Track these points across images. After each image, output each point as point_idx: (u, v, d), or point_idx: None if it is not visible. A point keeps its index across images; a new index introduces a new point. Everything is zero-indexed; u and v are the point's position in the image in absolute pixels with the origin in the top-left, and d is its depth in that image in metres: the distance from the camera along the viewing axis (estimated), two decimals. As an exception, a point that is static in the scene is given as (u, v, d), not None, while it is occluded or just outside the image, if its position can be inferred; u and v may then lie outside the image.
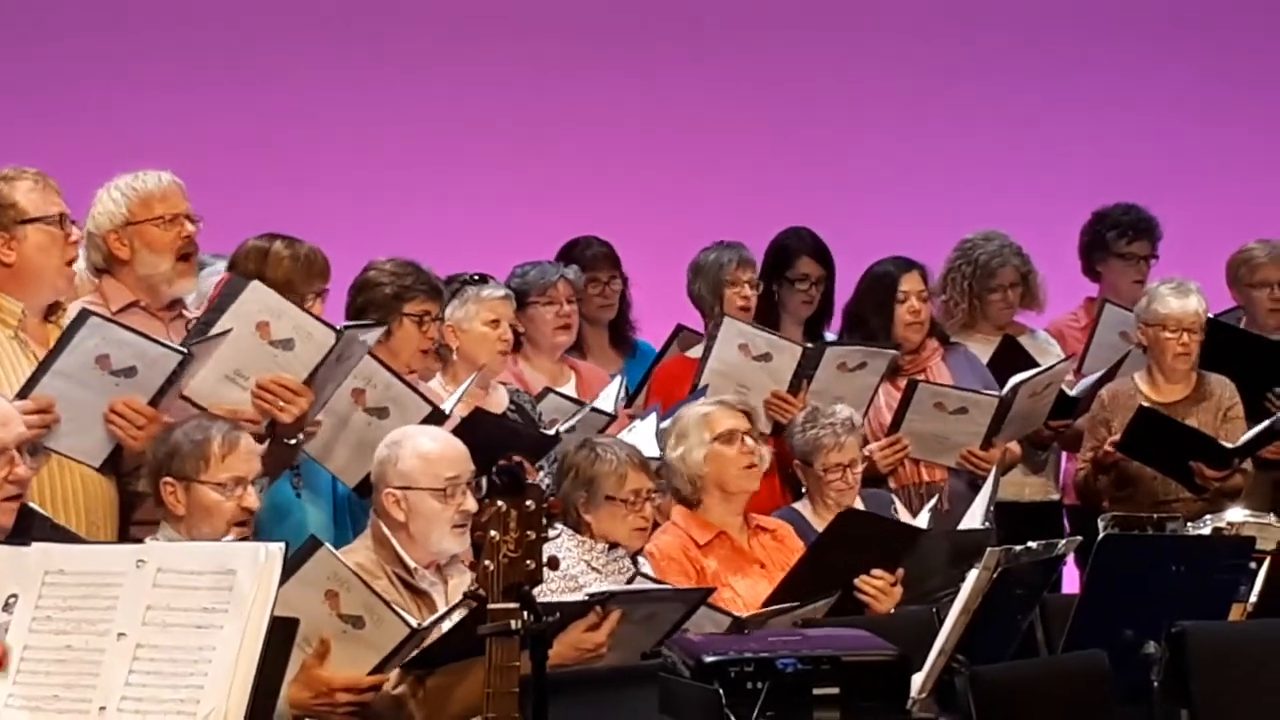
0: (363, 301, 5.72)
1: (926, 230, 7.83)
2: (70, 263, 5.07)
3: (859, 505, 6.33)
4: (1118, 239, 7.75)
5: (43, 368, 4.81)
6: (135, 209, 5.21)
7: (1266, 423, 6.95)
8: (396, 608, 4.66)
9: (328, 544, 4.64)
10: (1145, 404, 6.94)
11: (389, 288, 5.72)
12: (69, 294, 5.16)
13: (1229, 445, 6.87)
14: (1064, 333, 7.71)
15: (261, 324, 5.03)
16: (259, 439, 5.02)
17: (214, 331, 5.01)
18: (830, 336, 7.20)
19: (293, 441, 5.19)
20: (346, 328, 5.24)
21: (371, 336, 5.35)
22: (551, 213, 8.02)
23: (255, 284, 5.07)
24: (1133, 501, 6.90)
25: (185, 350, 4.93)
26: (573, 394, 6.48)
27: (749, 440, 6.02)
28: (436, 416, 5.43)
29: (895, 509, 6.41)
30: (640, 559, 5.69)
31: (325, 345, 5.11)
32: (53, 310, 5.07)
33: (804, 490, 6.39)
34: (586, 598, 4.98)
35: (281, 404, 5.06)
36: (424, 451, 5.08)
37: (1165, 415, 6.94)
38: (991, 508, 6.25)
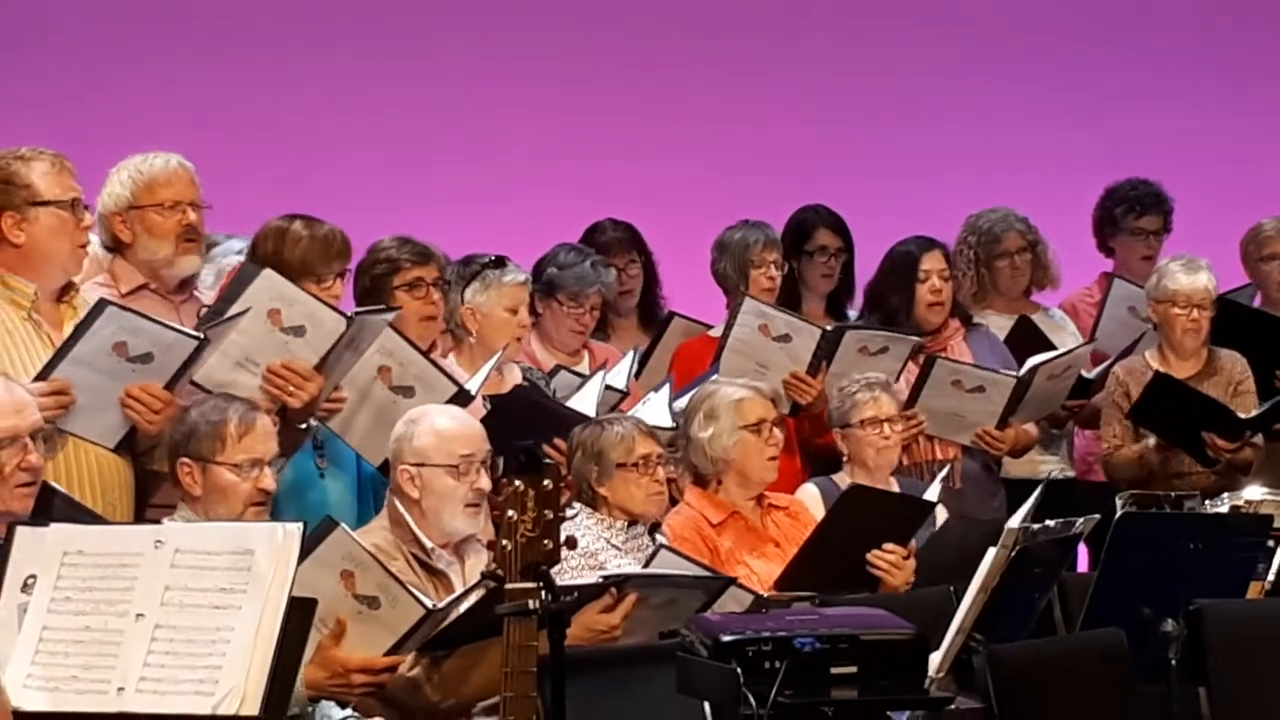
0: (362, 286, 5.73)
1: (942, 212, 7.81)
2: (82, 247, 5.05)
3: (894, 487, 6.33)
4: (1126, 214, 7.75)
5: (60, 355, 4.82)
6: (139, 193, 5.21)
7: None
8: (412, 588, 4.66)
9: (343, 524, 4.64)
10: (1160, 370, 6.93)
11: (379, 267, 5.73)
12: (77, 275, 5.14)
13: (1243, 415, 6.86)
14: (1077, 308, 7.71)
15: (273, 311, 5.05)
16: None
17: (232, 311, 5.01)
18: (853, 314, 7.20)
19: (303, 426, 5.20)
20: (358, 313, 5.24)
21: (385, 319, 5.35)
22: (571, 194, 8.01)
23: (267, 272, 5.08)
24: (1150, 476, 6.89)
25: (201, 336, 4.93)
26: (586, 373, 6.48)
27: (776, 431, 6.03)
28: (462, 396, 5.43)
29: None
30: (658, 535, 5.69)
31: (336, 331, 5.12)
32: (65, 291, 5.06)
33: (844, 459, 6.39)
34: (601, 579, 4.98)
35: (291, 389, 5.08)
36: (439, 429, 5.08)
37: (1181, 382, 6.93)
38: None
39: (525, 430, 5.00)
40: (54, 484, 4.57)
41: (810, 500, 6.26)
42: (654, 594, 5.02)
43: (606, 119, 8.58)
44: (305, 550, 4.24)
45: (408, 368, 5.40)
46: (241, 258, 5.68)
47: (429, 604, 4.62)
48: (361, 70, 8.38)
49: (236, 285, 5.04)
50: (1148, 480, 6.86)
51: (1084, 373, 7.14)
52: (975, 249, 7.44)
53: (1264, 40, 9.15)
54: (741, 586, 5.35)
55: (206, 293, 5.51)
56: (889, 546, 5.82)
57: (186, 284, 5.35)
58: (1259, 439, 7.00)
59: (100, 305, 4.85)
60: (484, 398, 5.74)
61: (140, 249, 5.24)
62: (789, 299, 7.04)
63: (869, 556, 5.80)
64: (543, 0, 8.64)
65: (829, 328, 6.78)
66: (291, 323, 5.07)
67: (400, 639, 4.62)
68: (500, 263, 6.16)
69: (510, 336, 6.10)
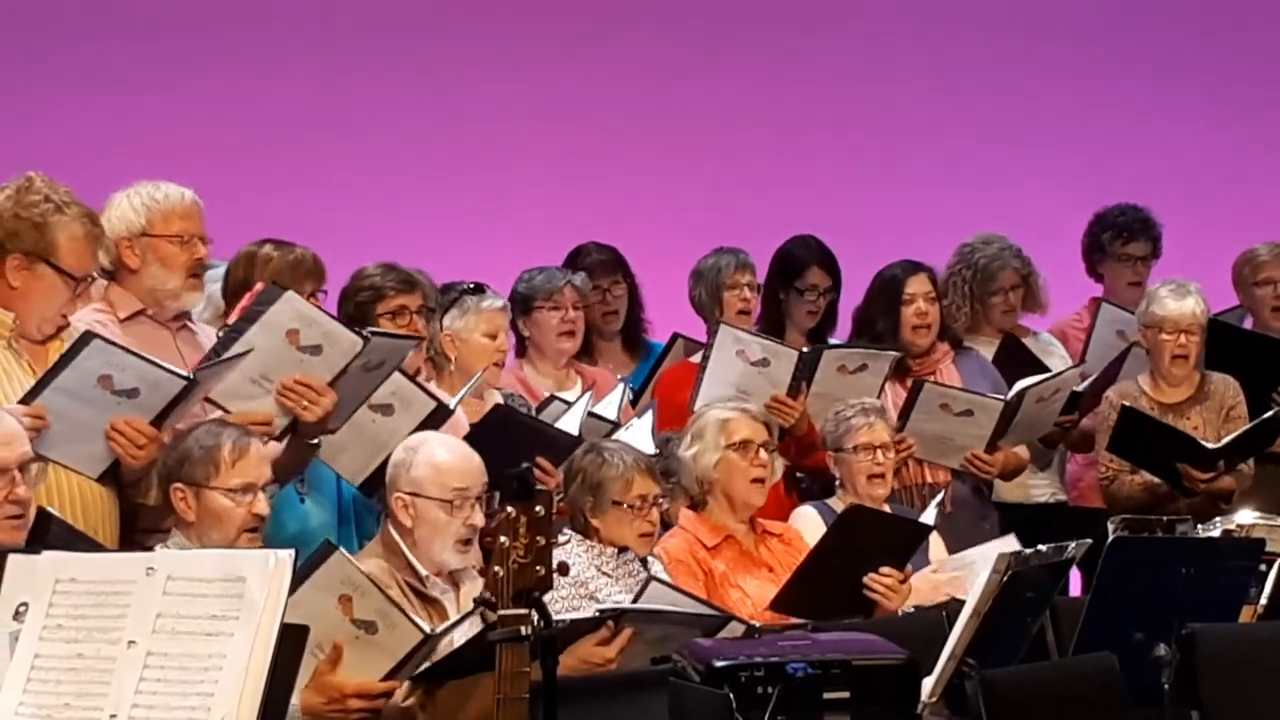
0: (345, 311, 5.73)
1: (932, 233, 7.82)
2: (64, 316, 5.03)
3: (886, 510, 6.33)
4: (1113, 240, 7.76)
5: (43, 383, 4.81)
6: (155, 222, 5.21)
7: (1250, 424, 6.92)
8: (409, 613, 4.65)
9: (342, 549, 4.64)
10: (1127, 404, 6.93)
11: (363, 294, 5.75)
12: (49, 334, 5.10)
13: (1210, 446, 6.85)
14: (1067, 333, 7.72)
15: (291, 332, 5.05)
16: (279, 438, 5.07)
17: (234, 350, 5.01)
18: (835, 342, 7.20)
19: (314, 441, 5.21)
20: (374, 333, 5.24)
21: (406, 345, 5.39)
22: (562, 217, 8.02)
23: (289, 295, 5.08)
24: (1156, 503, 6.88)
25: (190, 377, 4.92)
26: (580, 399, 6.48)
27: (763, 453, 6.03)
28: (441, 413, 5.43)
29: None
30: (651, 560, 5.69)
31: (352, 350, 5.12)
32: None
33: (837, 482, 6.39)
34: (598, 613, 4.98)
35: (305, 403, 5.08)
36: (437, 461, 5.08)
37: (1146, 414, 6.93)
38: None
39: (508, 450, 5.01)
40: (51, 510, 4.56)
41: (808, 522, 6.25)
42: (649, 630, 5.02)
43: (596, 141, 8.59)
44: (303, 575, 4.27)
45: (387, 386, 5.40)
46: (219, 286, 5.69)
47: (427, 629, 4.61)
48: (338, 91, 8.38)
49: (258, 306, 5.03)
50: (1150, 507, 6.85)
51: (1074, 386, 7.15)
52: (970, 283, 7.43)
53: (1255, 63, 9.17)
54: (736, 619, 5.35)
55: (196, 322, 5.49)
56: (885, 570, 5.83)
57: (184, 312, 5.35)
58: (1249, 465, 6.99)
59: (86, 338, 4.84)
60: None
61: (147, 277, 5.23)
62: (773, 329, 7.04)
63: (866, 579, 5.81)
64: (530, 24, 8.64)
65: (805, 349, 6.79)
66: (309, 342, 5.08)
67: (397, 664, 4.61)
68: (479, 289, 6.19)
69: (489, 361, 6.12)
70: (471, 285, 6.20)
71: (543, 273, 6.76)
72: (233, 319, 5.12)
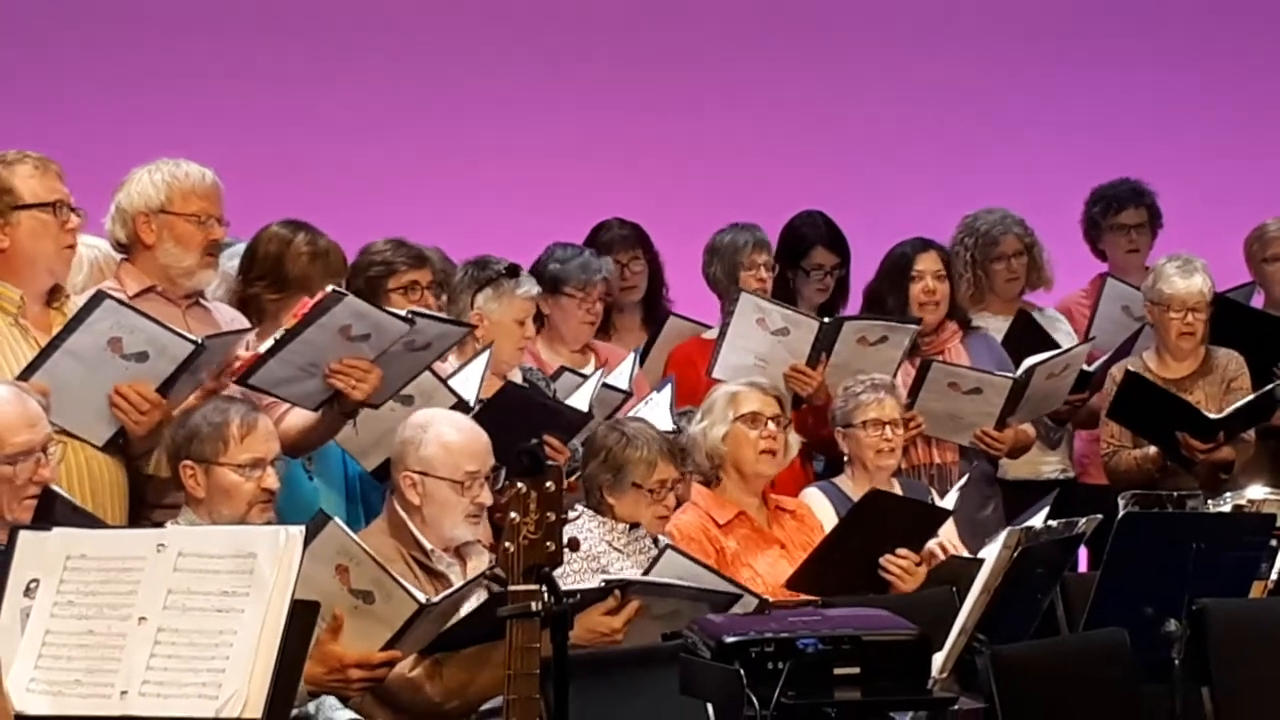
0: (355, 287, 5.72)
1: (942, 211, 7.81)
2: (69, 247, 5.03)
3: (896, 489, 6.33)
4: (1105, 213, 7.77)
5: (53, 345, 4.81)
6: (174, 199, 5.20)
7: (1252, 395, 6.91)
8: (404, 582, 4.65)
9: (337, 518, 4.64)
10: (1131, 369, 6.93)
11: (374, 269, 5.76)
12: (65, 278, 5.10)
13: (1213, 416, 6.84)
14: (1072, 310, 7.71)
15: (345, 327, 5.05)
16: (316, 409, 5.11)
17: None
18: (847, 317, 7.20)
19: (353, 417, 5.23)
20: (416, 314, 5.25)
21: (456, 334, 5.43)
22: (578, 196, 8.01)
23: (348, 299, 5.08)
24: (1150, 483, 6.87)
25: (198, 341, 4.92)
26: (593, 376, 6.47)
27: (772, 425, 6.02)
28: (461, 407, 5.44)
29: (932, 497, 6.39)
30: (662, 537, 5.69)
31: (398, 334, 5.13)
32: (54, 296, 5.04)
33: (845, 459, 6.38)
34: (604, 583, 4.98)
35: (353, 382, 5.08)
36: (448, 441, 5.07)
37: (1151, 381, 6.92)
38: None
39: (517, 428, 5.01)
40: (57, 489, 4.57)
41: (815, 503, 6.26)
42: (658, 604, 5.02)
43: (610, 119, 8.57)
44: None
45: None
46: (236, 261, 5.69)
47: (422, 599, 4.62)
48: (363, 70, 8.37)
49: (318, 312, 5.02)
50: (1149, 482, 6.85)
51: (1084, 366, 7.15)
52: (972, 251, 7.44)
53: (1260, 39, 9.14)
54: (746, 590, 5.35)
55: (209, 300, 5.49)
56: (902, 552, 5.83)
57: (194, 290, 5.36)
58: (1250, 435, 6.99)
59: (98, 297, 4.84)
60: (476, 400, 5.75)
61: (162, 253, 5.22)
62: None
63: (882, 561, 5.81)
64: (545, 9, 8.63)
65: (827, 319, 6.79)
66: (359, 332, 5.09)
67: (395, 633, 4.62)
68: (514, 271, 6.17)
69: (515, 347, 6.14)
70: (507, 266, 6.19)
71: (579, 257, 6.70)
72: (290, 323, 5.10)
